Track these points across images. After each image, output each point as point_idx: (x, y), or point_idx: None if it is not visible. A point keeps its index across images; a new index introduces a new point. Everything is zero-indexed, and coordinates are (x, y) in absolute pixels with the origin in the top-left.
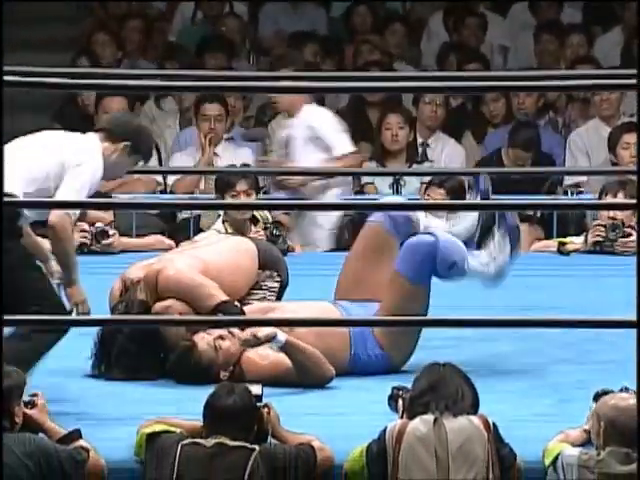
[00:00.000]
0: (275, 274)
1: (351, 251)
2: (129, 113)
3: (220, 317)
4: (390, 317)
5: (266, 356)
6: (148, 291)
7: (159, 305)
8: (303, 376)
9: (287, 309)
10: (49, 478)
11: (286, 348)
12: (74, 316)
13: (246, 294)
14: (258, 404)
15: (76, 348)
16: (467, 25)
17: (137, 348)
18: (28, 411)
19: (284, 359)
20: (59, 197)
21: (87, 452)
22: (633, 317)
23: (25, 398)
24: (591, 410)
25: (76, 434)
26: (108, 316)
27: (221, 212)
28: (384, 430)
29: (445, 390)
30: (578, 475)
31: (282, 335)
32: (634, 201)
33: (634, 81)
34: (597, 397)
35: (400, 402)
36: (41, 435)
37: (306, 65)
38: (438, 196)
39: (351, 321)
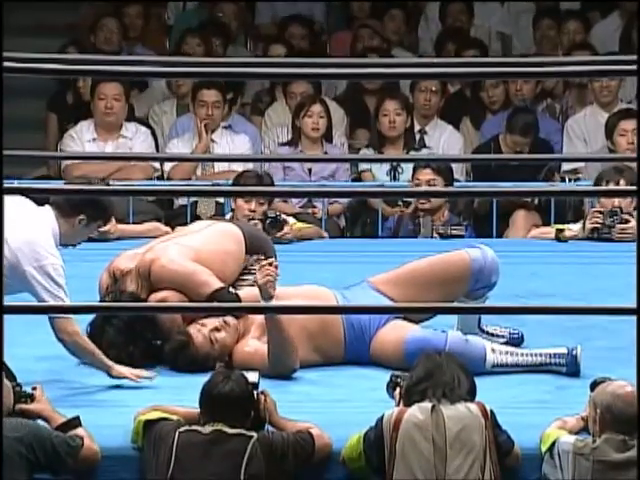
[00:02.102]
0: (262, 257)
1: (430, 261)
2: (79, 182)
3: (215, 304)
4: (386, 305)
5: (256, 349)
6: (140, 282)
7: (154, 297)
8: (273, 357)
9: (285, 295)
10: (42, 463)
11: (270, 319)
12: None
13: (236, 280)
14: (255, 391)
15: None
16: (451, 11)
17: (127, 339)
18: (25, 406)
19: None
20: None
21: (82, 439)
22: (633, 304)
23: (25, 390)
24: (589, 398)
25: (76, 421)
26: (111, 304)
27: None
28: (381, 417)
29: (442, 378)
30: (574, 462)
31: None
32: (633, 188)
33: (634, 67)
34: (594, 385)
35: (398, 390)
36: (39, 421)
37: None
38: (426, 176)
39: (344, 308)
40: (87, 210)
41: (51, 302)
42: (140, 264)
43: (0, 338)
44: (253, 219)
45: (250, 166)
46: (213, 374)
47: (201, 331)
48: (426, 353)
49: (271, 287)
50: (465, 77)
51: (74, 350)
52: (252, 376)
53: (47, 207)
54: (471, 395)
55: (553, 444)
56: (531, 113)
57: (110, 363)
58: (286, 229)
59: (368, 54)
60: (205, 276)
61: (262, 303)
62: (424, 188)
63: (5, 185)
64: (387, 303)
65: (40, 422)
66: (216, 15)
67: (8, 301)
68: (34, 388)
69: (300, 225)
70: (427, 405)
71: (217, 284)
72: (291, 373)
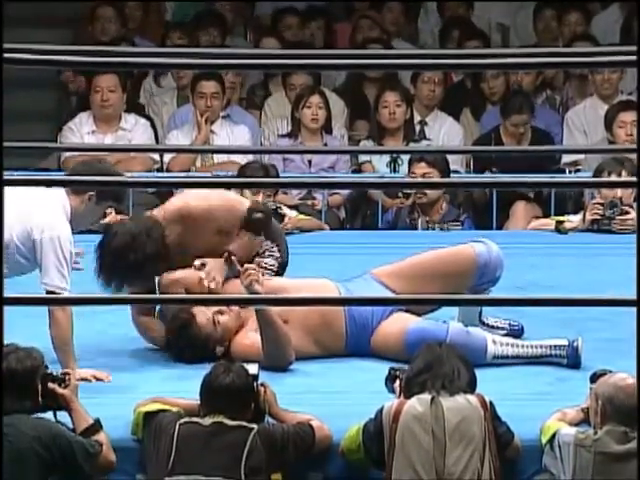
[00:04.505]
0: (275, 248)
1: (435, 254)
2: (91, 160)
3: (224, 296)
4: (387, 297)
5: (253, 341)
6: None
7: (166, 278)
8: (267, 350)
9: (287, 287)
10: (58, 465)
11: (261, 314)
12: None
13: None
14: (255, 383)
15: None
16: (451, 2)
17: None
18: (61, 390)
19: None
20: (49, 279)
21: (101, 446)
22: (633, 296)
23: (56, 373)
24: (591, 390)
25: (97, 426)
26: (112, 295)
27: None
28: (381, 409)
29: (441, 369)
30: (575, 454)
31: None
32: (634, 179)
33: (634, 57)
34: (594, 378)
35: (397, 383)
36: (60, 420)
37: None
38: (421, 170)
39: (346, 299)
40: (96, 188)
41: (54, 277)
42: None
43: (0, 329)
44: None
45: (250, 157)
46: (214, 366)
47: (205, 312)
48: (427, 344)
49: (256, 286)
50: (468, 68)
51: (55, 332)
52: (252, 368)
53: (58, 190)
54: (471, 387)
55: (553, 436)
56: (524, 94)
57: (73, 365)
58: (286, 220)
59: (368, 45)
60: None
61: (264, 295)
62: (423, 180)
63: (6, 177)
64: (390, 296)
65: (60, 426)
66: (213, 7)
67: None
68: (66, 373)
69: (300, 217)
70: (426, 397)
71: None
72: (287, 366)
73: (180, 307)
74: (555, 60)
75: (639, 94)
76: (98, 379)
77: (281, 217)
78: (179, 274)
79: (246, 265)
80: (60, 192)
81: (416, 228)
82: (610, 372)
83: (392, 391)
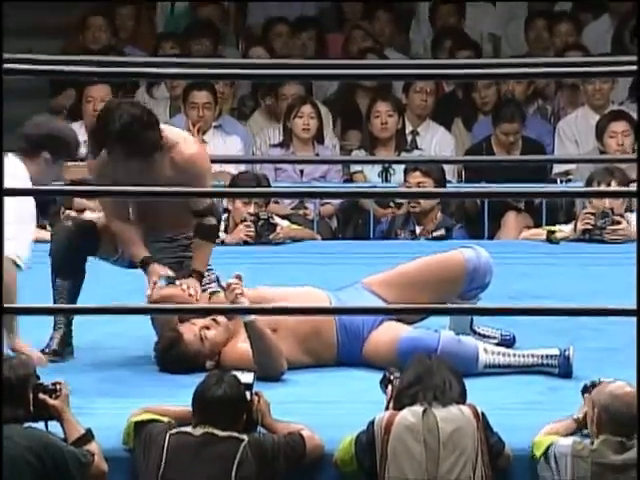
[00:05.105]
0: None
1: (424, 261)
2: (38, 119)
3: (209, 305)
4: (377, 306)
5: (243, 351)
6: None
7: (155, 295)
8: (258, 362)
9: (278, 296)
10: (51, 476)
11: (249, 326)
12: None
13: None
14: (248, 392)
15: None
16: (442, 12)
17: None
18: (52, 401)
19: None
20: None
21: (92, 456)
22: (632, 305)
23: (47, 384)
24: (585, 399)
25: (88, 435)
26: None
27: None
28: (373, 421)
29: (432, 381)
30: (572, 464)
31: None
32: (633, 189)
33: (630, 67)
34: (586, 389)
35: (390, 387)
36: (51, 431)
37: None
38: (415, 179)
39: (336, 309)
40: (49, 147)
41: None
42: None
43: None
44: (246, 220)
45: (242, 167)
46: (206, 376)
47: (191, 329)
48: (417, 356)
49: (241, 299)
50: (461, 78)
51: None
52: (247, 377)
53: (10, 155)
54: (462, 398)
55: (548, 447)
56: (515, 103)
57: (17, 333)
58: (278, 230)
59: (363, 55)
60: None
61: (255, 305)
62: (415, 189)
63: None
64: (381, 304)
65: (52, 436)
66: (205, 17)
67: None
68: (58, 383)
69: (292, 227)
70: (418, 408)
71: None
72: (279, 376)
73: (167, 326)
74: (547, 70)
75: (639, 105)
76: (39, 359)
77: (273, 227)
78: (167, 291)
79: (229, 280)
80: (15, 165)
81: (412, 237)
82: (600, 382)
83: (385, 393)
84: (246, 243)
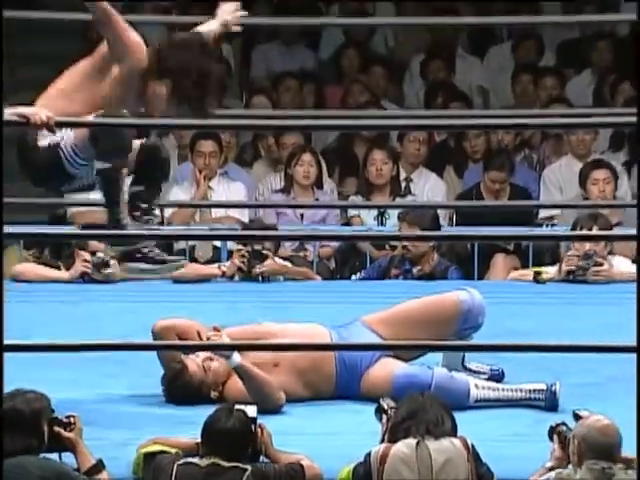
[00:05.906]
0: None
1: (421, 302)
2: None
3: (211, 342)
4: (376, 343)
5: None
6: None
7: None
8: (254, 398)
9: (281, 332)
10: None
11: (238, 370)
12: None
13: None
14: (253, 425)
15: (83, 368)
16: (433, 67)
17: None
18: (66, 433)
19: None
20: None
21: None
22: (633, 343)
23: (62, 417)
24: (554, 440)
25: (99, 466)
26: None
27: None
28: (369, 453)
29: (425, 416)
30: None
31: (237, 357)
32: (633, 232)
33: (633, 119)
34: (552, 430)
35: (384, 417)
36: (65, 461)
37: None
38: (404, 230)
39: (335, 346)
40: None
41: None
42: None
43: (0, 342)
44: (243, 256)
45: (246, 212)
46: (216, 409)
47: (194, 360)
48: (409, 394)
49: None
50: (453, 128)
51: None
52: (251, 410)
53: None
54: (453, 431)
55: None
56: (505, 152)
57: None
58: (269, 261)
59: (364, 107)
60: None
61: (257, 342)
62: (408, 233)
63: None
64: (379, 341)
65: (65, 466)
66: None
67: None
68: (72, 416)
69: (287, 263)
70: (412, 441)
71: None
72: (278, 409)
73: (172, 357)
74: (534, 121)
75: (638, 155)
76: None
77: (264, 258)
78: (171, 321)
79: (208, 333)
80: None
81: (408, 278)
82: (562, 423)
83: (380, 421)
84: (240, 270)
